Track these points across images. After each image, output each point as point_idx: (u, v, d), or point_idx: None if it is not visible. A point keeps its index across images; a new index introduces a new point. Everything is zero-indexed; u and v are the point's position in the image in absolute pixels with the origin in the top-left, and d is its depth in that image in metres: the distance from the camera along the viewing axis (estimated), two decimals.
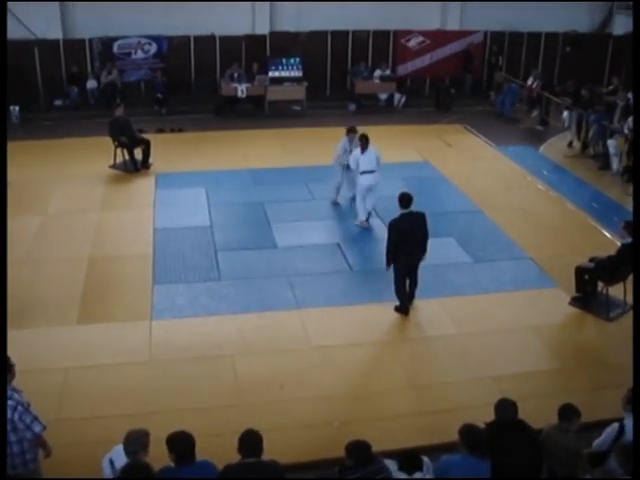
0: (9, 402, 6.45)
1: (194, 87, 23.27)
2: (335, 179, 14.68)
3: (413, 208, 10.69)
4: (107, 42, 22.31)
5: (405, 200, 10.59)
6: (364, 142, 13.56)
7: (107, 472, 6.23)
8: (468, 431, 6.42)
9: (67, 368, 9.36)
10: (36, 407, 6.69)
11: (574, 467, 6.86)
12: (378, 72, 23.32)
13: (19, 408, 6.46)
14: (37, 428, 6.57)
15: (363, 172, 13.56)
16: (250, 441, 6.14)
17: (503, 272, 12.14)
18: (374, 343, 10.25)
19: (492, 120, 22.04)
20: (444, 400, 8.94)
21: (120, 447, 6.17)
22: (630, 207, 14.79)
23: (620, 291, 10.86)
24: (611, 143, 17.08)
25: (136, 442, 6.05)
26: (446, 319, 10.71)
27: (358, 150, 13.63)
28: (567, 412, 6.82)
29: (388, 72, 23.51)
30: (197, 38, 22.90)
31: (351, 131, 14.36)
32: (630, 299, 10.85)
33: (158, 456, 6.15)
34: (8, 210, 13.76)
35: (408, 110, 22.99)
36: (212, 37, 22.88)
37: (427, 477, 6.30)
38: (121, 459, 6.04)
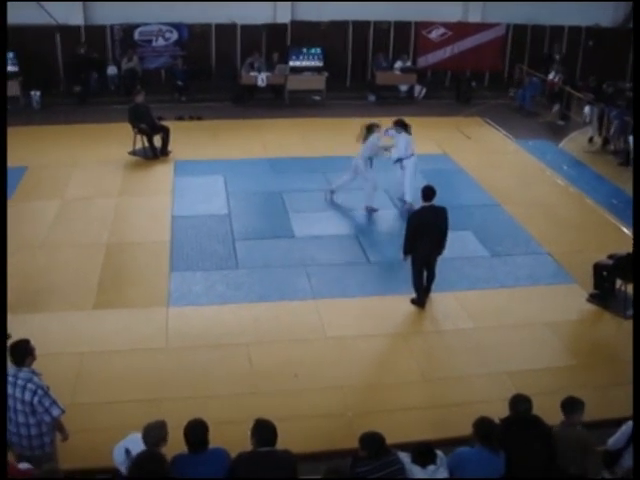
0: (29, 385, 6.52)
1: (214, 75, 23.23)
2: (371, 181, 14.03)
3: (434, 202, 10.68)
4: (128, 29, 22.29)
5: (428, 193, 10.58)
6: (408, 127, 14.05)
7: (119, 460, 6.21)
8: (482, 423, 6.44)
9: (83, 353, 9.42)
10: (52, 391, 6.73)
11: (584, 460, 6.84)
12: (399, 63, 23.21)
13: (39, 392, 6.54)
14: (55, 412, 6.64)
15: (410, 155, 14.02)
16: (262, 431, 6.16)
17: (520, 267, 12.09)
18: (389, 335, 10.25)
19: (512, 114, 21.89)
20: (458, 394, 8.94)
21: (136, 436, 6.18)
22: None
23: None
24: (632, 139, 16.95)
25: (155, 435, 6.08)
26: (462, 313, 10.68)
27: (403, 135, 13.98)
28: (571, 404, 6.82)
29: (409, 64, 23.40)
30: (218, 26, 22.85)
31: (377, 126, 14.30)
32: None
33: (173, 443, 6.18)
34: (26, 195, 13.88)
35: (428, 102, 22.87)
36: (233, 25, 22.85)
37: (440, 470, 6.30)
38: (137, 448, 6.04)
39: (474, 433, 6.45)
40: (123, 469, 6.08)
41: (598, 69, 22.41)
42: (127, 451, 6.15)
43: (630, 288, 10.73)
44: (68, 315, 10.32)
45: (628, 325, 10.42)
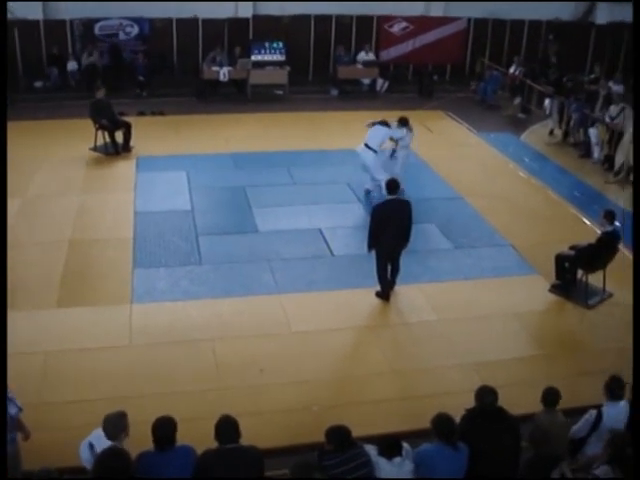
0: None
1: (176, 70, 23.08)
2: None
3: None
4: (88, 23, 22.06)
5: (392, 186, 10.62)
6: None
7: (85, 456, 6.15)
8: (439, 420, 6.39)
9: (47, 352, 9.31)
10: (16, 391, 6.65)
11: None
12: (362, 55, 23.24)
13: None
14: (12, 411, 6.52)
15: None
16: (226, 428, 6.12)
17: (484, 259, 12.18)
18: (355, 328, 10.27)
19: (474, 107, 22.03)
20: (424, 386, 9.00)
21: (100, 431, 6.13)
22: (610, 195, 14.97)
23: (599, 279, 10.93)
24: (592, 132, 17.17)
25: (115, 426, 6.02)
26: (427, 305, 10.74)
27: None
28: (551, 395, 6.90)
29: (371, 56, 23.44)
30: (179, 21, 22.71)
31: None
32: (609, 287, 10.98)
33: (140, 439, 6.13)
34: None
35: (390, 96, 22.92)
36: (195, 20, 22.72)
37: (406, 462, 6.31)
38: (101, 443, 5.98)
39: (432, 430, 6.44)
40: (89, 466, 6.02)
41: (558, 62, 22.60)
42: (91, 446, 6.10)
43: (591, 278, 10.88)
44: (32, 313, 10.19)
45: (590, 315, 10.61)
